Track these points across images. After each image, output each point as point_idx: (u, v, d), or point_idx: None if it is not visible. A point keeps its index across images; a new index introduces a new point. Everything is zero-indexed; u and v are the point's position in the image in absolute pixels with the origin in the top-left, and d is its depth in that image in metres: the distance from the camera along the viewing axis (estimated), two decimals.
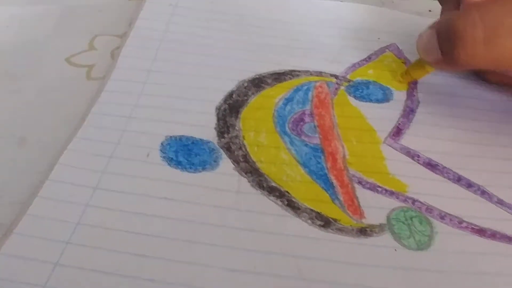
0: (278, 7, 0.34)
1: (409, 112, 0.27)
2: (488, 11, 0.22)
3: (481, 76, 0.29)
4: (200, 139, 0.25)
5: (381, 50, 0.31)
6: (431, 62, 0.26)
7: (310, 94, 0.28)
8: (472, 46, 0.22)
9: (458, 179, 0.24)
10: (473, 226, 0.23)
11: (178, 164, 0.24)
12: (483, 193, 0.24)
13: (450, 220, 0.23)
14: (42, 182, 0.23)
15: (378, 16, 0.34)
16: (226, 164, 0.24)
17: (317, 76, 0.29)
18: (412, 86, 0.29)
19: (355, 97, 0.28)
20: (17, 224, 0.21)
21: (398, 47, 0.31)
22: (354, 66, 0.30)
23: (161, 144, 0.25)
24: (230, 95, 0.28)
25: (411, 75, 0.28)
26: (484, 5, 0.22)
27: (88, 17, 0.33)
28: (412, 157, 0.25)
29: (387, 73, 0.30)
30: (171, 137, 0.25)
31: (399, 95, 0.28)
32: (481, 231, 0.22)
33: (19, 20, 0.32)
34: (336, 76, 0.29)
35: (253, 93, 0.28)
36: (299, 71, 0.29)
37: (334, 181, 0.24)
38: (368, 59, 0.31)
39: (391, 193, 0.24)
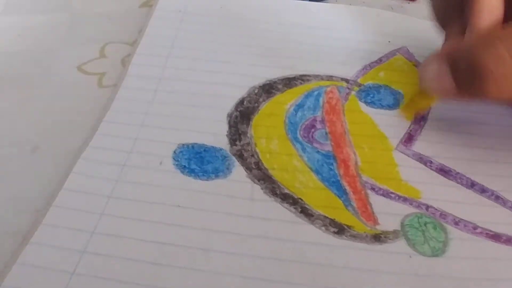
0: (287, 11, 0.34)
1: (420, 119, 0.27)
2: None
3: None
4: (212, 147, 0.25)
5: (392, 53, 0.31)
6: (442, 93, 0.24)
7: (321, 99, 0.28)
8: (502, 82, 0.21)
9: (472, 185, 0.24)
10: (487, 232, 0.22)
11: (191, 171, 0.24)
12: (497, 198, 0.24)
13: (465, 226, 0.23)
14: (56, 190, 0.23)
15: (388, 20, 0.34)
16: (238, 171, 0.24)
17: (328, 80, 0.29)
18: None
19: (366, 102, 0.28)
20: (33, 234, 0.21)
21: (408, 50, 0.31)
22: (365, 69, 0.30)
23: (174, 152, 0.25)
24: (241, 102, 0.28)
25: (415, 107, 0.27)
26: (508, 36, 0.21)
27: (99, 25, 0.33)
28: (425, 163, 0.25)
29: (398, 75, 0.29)
30: (183, 145, 0.25)
31: None
32: (496, 237, 0.22)
33: (30, 29, 0.32)
34: (346, 80, 0.29)
35: (264, 100, 0.28)
36: (309, 76, 0.29)
37: (347, 188, 0.24)
38: (379, 61, 0.31)
39: (405, 199, 0.23)
